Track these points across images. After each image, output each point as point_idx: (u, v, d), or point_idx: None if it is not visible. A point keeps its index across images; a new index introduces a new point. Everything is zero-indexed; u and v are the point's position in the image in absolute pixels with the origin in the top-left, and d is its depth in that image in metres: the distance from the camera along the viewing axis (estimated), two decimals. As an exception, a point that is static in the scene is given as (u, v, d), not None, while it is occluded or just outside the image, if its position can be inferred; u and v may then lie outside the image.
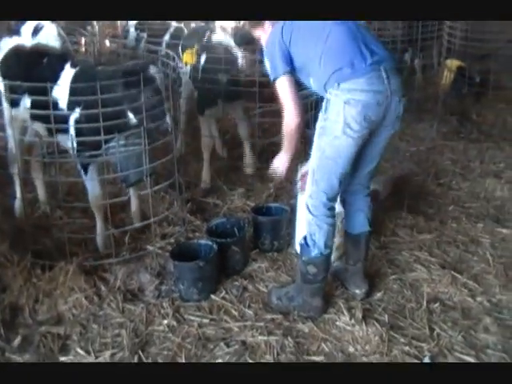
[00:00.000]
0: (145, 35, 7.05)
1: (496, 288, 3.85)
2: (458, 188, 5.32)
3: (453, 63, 7.04)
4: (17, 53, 4.39)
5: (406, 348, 3.29)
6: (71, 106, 3.93)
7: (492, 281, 3.93)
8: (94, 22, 10.43)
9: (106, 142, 3.89)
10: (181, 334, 3.44)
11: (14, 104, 4.18)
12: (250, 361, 3.22)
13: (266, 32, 3.62)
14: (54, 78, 3.99)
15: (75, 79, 3.97)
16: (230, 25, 5.00)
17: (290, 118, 3.47)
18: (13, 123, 4.29)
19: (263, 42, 3.64)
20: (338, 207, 3.82)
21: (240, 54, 4.76)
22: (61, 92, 3.96)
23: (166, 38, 6.58)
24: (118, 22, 12.28)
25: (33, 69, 4.14)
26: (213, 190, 5.21)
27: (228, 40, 4.90)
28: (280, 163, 3.73)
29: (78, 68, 4.05)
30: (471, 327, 3.49)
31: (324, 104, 3.33)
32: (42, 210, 4.76)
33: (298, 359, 3.24)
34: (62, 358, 3.28)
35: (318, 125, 3.39)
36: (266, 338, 3.38)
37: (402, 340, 3.35)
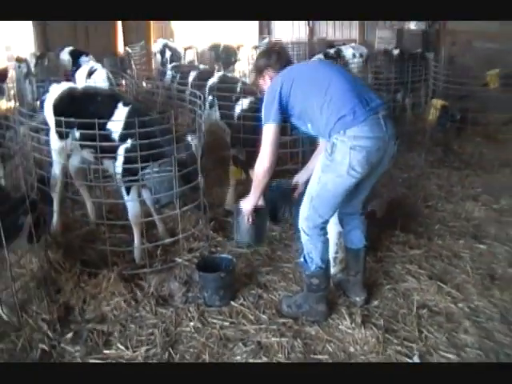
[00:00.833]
0: (178, 76, 7.13)
1: (474, 295, 3.81)
2: (443, 209, 5.28)
3: (438, 102, 7.05)
4: (70, 93, 4.45)
5: (399, 348, 3.26)
6: (123, 137, 4.02)
7: (471, 289, 3.89)
8: (133, 66, 10.62)
9: (142, 168, 3.94)
10: (205, 334, 3.42)
11: (65, 136, 4.23)
12: (265, 359, 3.19)
13: (265, 82, 3.60)
14: (109, 115, 4.09)
15: (129, 116, 4.05)
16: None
17: (262, 163, 3.38)
18: (61, 152, 4.35)
19: (263, 90, 3.60)
20: (338, 227, 3.81)
21: None
22: (115, 126, 4.05)
23: (190, 79, 6.65)
24: (153, 64, 12.54)
25: (87, 106, 4.22)
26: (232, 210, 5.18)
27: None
28: (247, 204, 3.65)
29: (130, 107, 4.14)
30: (453, 329, 3.45)
31: (330, 146, 3.21)
32: (89, 226, 4.79)
33: (306, 358, 3.20)
34: (106, 351, 3.28)
35: (323, 162, 3.29)
36: (278, 339, 3.34)
37: (395, 341, 3.32)
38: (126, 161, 4.02)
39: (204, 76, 6.27)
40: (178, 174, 3.80)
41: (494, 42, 10.49)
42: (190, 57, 12.22)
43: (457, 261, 4.29)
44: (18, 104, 7.07)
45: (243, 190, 5.43)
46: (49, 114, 4.45)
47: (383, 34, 13.38)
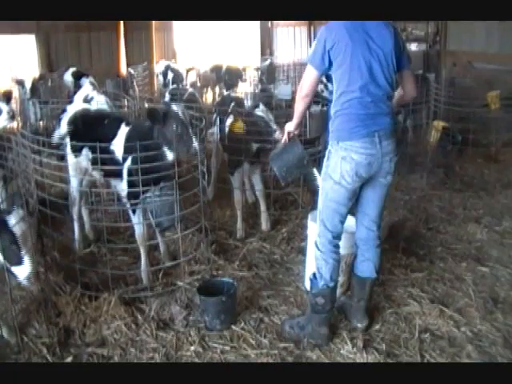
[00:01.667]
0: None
1: (477, 319, 3.79)
2: (445, 232, 5.27)
3: (439, 124, 7.07)
4: (82, 115, 4.63)
5: (401, 374, 3.23)
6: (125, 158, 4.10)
7: (473, 313, 3.87)
8: (136, 87, 10.71)
9: (143, 192, 3.97)
10: (205, 358, 3.41)
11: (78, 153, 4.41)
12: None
13: None
14: (112, 136, 4.22)
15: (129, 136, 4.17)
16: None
17: (300, 91, 3.46)
18: (76, 171, 4.50)
19: None
20: (342, 250, 3.81)
21: (276, 128, 4.74)
22: (118, 147, 4.16)
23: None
24: (155, 87, 12.65)
25: (95, 128, 4.38)
26: (235, 232, 5.20)
27: (269, 116, 4.94)
28: (289, 125, 3.74)
29: (131, 127, 4.26)
30: (456, 354, 3.44)
31: (327, 154, 3.41)
32: (90, 249, 4.80)
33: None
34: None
35: (323, 170, 3.45)
36: (279, 364, 3.32)
37: (398, 367, 3.29)
38: (130, 183, 4.05)
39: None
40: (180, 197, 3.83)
41: (495, 63, 10.57)
42: (192, 78, 12.31)
43: (459, 284, 4.28)
44: (20, 125, 7.12)
45: (250, 213, 5.51)
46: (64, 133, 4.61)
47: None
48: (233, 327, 3.72)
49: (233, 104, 5.71)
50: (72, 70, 10.27)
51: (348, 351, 3.45)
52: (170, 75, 11.56)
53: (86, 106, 4.98)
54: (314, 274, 3.56)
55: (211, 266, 4.43)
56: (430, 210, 5.83)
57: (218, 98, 6.42)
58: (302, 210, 5.42)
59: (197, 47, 17.37)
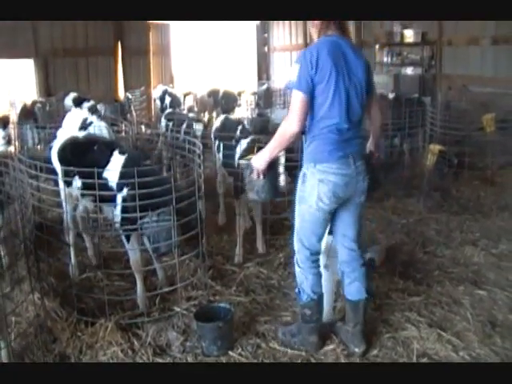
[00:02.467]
0: (170, 124, 7.32)
1: (475, 343, 3.78)
2: (442, 255, 5.27)
3: (435, 147, 7.13)
4: (72, 142, 4.63)
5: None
6: (120, 187, 4.10)
7: (472, 337, 3.86)
8: (133, 112, 10.80)
9: (141, 217, 3.98)
10: (202, 385, 3.39)
11: (68, 184, 4.39)
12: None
13: (313, 29, 3.49)
14: (105, 163, 4.21)
15: (125, 165, 4.17)
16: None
17: (292, 126, 3.31)
18: (69, 198, 4.47)
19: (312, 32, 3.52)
20: (337, 276, 3.84)
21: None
22: (111, 175, 4.16)
23: (183, 126, 6.95)
24: (153, 111, 12.75)
25: (85, 155, 4.37)
26: (232, 257, 5.20)
27: None
28: (260, 161, 3.52)
29: (126, 156, 4.27)
30: (455, 379, 3.42)
31: (301, 176, 3.50)
32: (86, 274, 4.80)
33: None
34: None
35: (298, 194, 3.54)
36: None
37: (396, 393, 3.29)
38: (124, 209, 4.07)
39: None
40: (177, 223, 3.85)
41: (490, 86, 10.69)
42: (189, 103, 12.43)
43: (457, 308, 4.27)
44: (18, 150, 7.16)
45: (251, 239, 5.51)
46: (55, 162, 4.64)
47: (380, 79, 13.58)
48: (230, 353, 3.70)
49: (240, 128, 5.73)
50: (73, 95, 10.36)
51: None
52: (168, 100, 11.67)
53: (74, 132, 4.98)
54: (298, 289, 3.72)
55: (208, 291, 4.43)
56: (427, 233, 5.85)
57: (216, 123, 6.41)
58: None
59: (194, 72, 17.57)
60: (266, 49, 17.78)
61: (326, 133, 3.36)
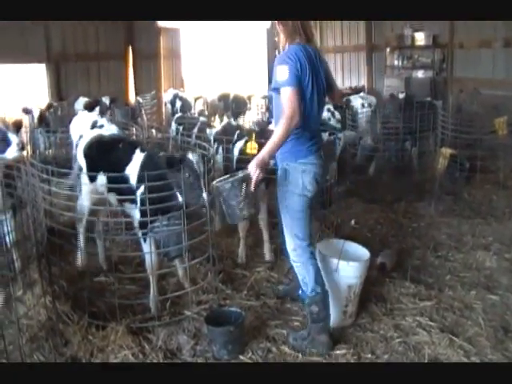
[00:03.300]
0: (181, 128, 7.35)
1: (487, 349, 3.75)
2: (454, 259, 5.25)
3: (446, 151, 7.10)
4: (97, 140, 4.83)
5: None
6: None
7: (484, 342, 3.83)
8: (144, 116, 10.86)
9: (152, 221, 4.00)
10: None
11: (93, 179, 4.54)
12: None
13: (284, 34, 3.72)
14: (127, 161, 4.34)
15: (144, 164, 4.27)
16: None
17: (294, 119, 3.45)
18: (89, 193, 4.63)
19: (281, 41, 3.79)
20: (351, 280, 3.83)
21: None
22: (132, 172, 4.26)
23: (195, 130, 6.92)
24: (163, 115, 12.80)
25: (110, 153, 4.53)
26: (241, 260, 5.19)
27: None
28: (259, 161, 3.51)
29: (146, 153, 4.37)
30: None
31: (282, 174, 3.76)
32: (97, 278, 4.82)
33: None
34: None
35: (282, 190, 3.77)
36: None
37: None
38: (141, 212, 4.12)
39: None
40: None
41: (501, 89, 10.64)
42: (199, 107, 12.47)
43: (469, 312, 4.25)
44: (30, 154, 7.22)
45: (258, 241, 5.51)
46: (80, 158, 4.80)
47: (391, 83, 13.60)
48: (240, 357, 3.71)
49: (238, 132, 5.76)
50: (83, 99, 10.43)
51: None
52: (178, 104, 11.72)
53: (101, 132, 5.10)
54: (301, 288, 3.85)
55: (219, 295, 4.44)
56: (439, 237, 5.81)
57: (218, 127, 6.46)
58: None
59: (205, 76, 17.62)
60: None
61: (302, 131, 3.64)
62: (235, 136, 5.61)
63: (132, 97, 14.26)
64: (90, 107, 9.21)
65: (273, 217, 5.04)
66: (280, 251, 4.98)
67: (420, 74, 13.93)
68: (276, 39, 3.97)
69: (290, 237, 3.80)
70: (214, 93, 13.26)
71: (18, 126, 5.08)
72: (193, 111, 11.89)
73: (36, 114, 9.14)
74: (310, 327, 3.82)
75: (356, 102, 8.84)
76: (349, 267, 3.90)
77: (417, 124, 7.51)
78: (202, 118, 8.62)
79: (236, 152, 5.34)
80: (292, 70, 3.48)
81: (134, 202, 4.24)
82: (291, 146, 3.66)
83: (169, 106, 12.19)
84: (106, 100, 9.65)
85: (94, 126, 5.94)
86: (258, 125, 8.22)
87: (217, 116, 13.02)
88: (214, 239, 4.45)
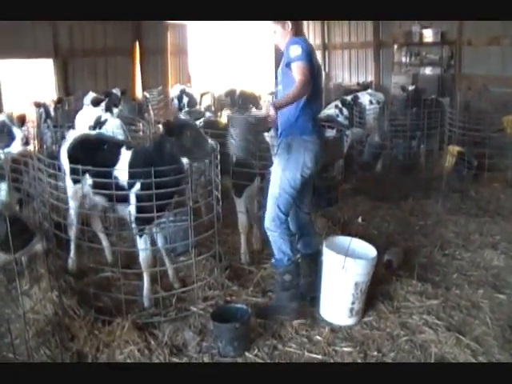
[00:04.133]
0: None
1: (495, 348, 3.72)
2: (461, 258, 5.21)
3: (454, 149, 7.08)
4: (82, 141, 4.66)
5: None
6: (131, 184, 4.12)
7: (491, 342, 3.80)
8: (151, 111, 10.85)
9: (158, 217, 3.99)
10: (218, 386, 3.39)
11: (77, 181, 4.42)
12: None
13: (285, 31, 3.91)
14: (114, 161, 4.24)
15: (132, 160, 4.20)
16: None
17: (305, 87, 3.67)
18: (75, 197, 4.55)
19: (280, 38, 3.95)
20: (358, 278, 3.81)
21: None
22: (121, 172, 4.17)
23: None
24: (170, 109, 12.79)
25: (95, 153, 4.39)
26: (250, 258, 5.15)
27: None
28: (277, 104, 3.70)
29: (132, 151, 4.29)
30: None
31: (285, 147, 3.91)
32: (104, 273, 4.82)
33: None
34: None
35: (281, 163, 3.92)
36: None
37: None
38: (139, 208, 4.09)
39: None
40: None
41: (510, 86, 10.56)
42: (206, 102, 12.45)
43: (476, 311, 4.22)
44: (37, 149, 7.22)
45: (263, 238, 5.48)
46: (64, 160, 4.63)
47: (399, 80, 13.52)
48: (246, 354, 3.70)
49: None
50: (92, 95, 10.42)
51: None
52: (185, 99, 11.71)
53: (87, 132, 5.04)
54: (275, 257, 4.04)
55: (225, 291, 4.43)
56: (446, 235, 5.78)
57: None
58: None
59: (211, 72, 17.60)
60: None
61: (308, 110, 3.88)
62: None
63: (139, 92, 14.26)
64: (95, 102, 9.23)
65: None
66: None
67: (428, 70, 13.87)
68: (274, 39, 4.02)
69: (272, 207, 3.95)
70: (220, 88, 13.24)
71: (22, 121, 5.08)
72: (198, 106, 11.88)
73: (50, 108, 9.19)
74: (280, 295, 4.08)
75: (364, 98, 8.79)
76: (356, 264, 3.88)
77: (424, 121, 7.48)
78: (208, 114, 8.60)
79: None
80: (304, 48, 3.72)
81: (125, 201, 4.17)
82: (297, 121, 3.88)
83: (175, 101, 12.18)
84: (117, 92, 9.67)
85: (98, 120, 5.94)
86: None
87: (223, 111, 12.99)
88: (221, 235, 4.43)
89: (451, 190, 6.91)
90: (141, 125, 7.57)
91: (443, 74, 13.49)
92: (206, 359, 3.64)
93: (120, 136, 5.68)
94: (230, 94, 12.91)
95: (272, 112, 3.64)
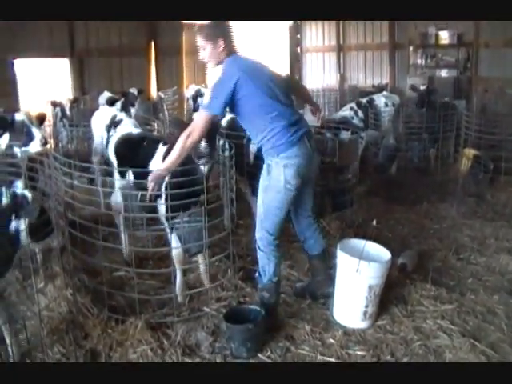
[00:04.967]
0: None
1: (510, 355, 3.68)
2: (476, 262, 5.16)
3: (470, 152, 7.02)
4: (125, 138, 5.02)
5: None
6: None
7: (506, 348, 3.76)
8: (166, 111, 10.88)
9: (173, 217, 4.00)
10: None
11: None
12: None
13: (217, 52, 3.84)
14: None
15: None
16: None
17: (193, 136, 3.68)
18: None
19: (209, 57, 3.86)
20: (372, 281, 3.79)
21: None
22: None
23: None
24: (185, 111, 12.83)
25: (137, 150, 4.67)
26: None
27: None
28: (162, 170, 3.82)
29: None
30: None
31: (266, 168, 3.90)
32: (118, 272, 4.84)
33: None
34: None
35: (263, 184, 3.93)
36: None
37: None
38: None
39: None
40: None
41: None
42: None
43: (491, 317, 4.17)
44: (52, 147, 7.27)
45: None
46: (111, 155, 4.97)
47: (414, 82, 13.43)
48: (259, 355, 3.70)
49: None
50: (107, 94, 10.49)
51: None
52: (200, 100, 11.71)
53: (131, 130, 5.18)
54: (259, 272, 4.04)
55: (238, 292, 4.43)
56: (461, 239, 5.73)
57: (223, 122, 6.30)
58: (330, 238, 5.38)
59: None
60: (298, 49, 17.71)
61: (278, 126, 3.76)
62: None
63: (154, 92, 14.30)
64: (110, 102, 9.28)
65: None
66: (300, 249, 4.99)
67: (444, 73, 13.76)
68: (201, 54, 3.90)
69: (259, 227, 3.95)
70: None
71: (41, 120, 5.11)
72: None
73: (66, 107, 9.27)
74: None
75: (379, 100, 8.75)
76: (370, 267, 3.86)
77: (440, 124, 7.43)
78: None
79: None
80: (222, 92, 3.68)
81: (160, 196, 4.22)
82: (272, 142, 3.79)
83: (190, 101, 12.20)
84: (134, 91, 9.74)
85: (113, 120, 5.96)
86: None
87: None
88: (235, 236, 4.43)
89: (467, 194, 6.85)
90: (155, 125, 7.60)
91: (459, 77, 13.38)
92: (219, 360, 3.65)
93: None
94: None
95: (151, 184, 3.80)
